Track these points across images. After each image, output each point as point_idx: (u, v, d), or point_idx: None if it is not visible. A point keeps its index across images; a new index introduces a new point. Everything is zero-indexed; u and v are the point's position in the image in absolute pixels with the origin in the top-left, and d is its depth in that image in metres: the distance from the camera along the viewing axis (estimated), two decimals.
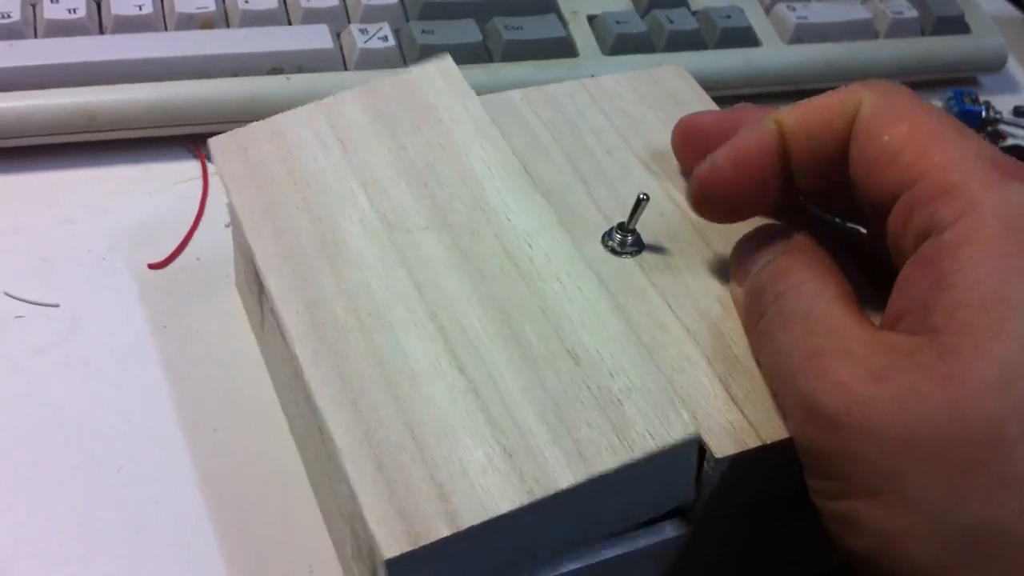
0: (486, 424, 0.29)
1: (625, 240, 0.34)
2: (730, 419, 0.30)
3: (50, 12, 0.49)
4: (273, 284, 0.33)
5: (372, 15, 0.53)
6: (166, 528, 0.36)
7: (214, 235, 0.45)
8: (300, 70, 0.50)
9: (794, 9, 0.59)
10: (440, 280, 0.32)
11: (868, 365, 0.26)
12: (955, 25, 0.62)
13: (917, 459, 0.25)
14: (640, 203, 0.34)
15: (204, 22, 0.51)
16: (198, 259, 0.45)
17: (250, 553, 0.35)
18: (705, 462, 0.30)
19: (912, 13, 0.61)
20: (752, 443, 0.30)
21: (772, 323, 0.30)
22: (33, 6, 0.50)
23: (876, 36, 0.60)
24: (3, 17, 0.48)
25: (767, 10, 0.60)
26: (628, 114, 0.40)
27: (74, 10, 0.49)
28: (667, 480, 0.30)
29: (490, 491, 0.28)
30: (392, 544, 0.27)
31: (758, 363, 0.31)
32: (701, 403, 0.31)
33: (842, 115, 0.31)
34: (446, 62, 0.39)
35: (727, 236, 0.35)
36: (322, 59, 0.51)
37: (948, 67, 0.61)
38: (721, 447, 0.30)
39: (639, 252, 0.35)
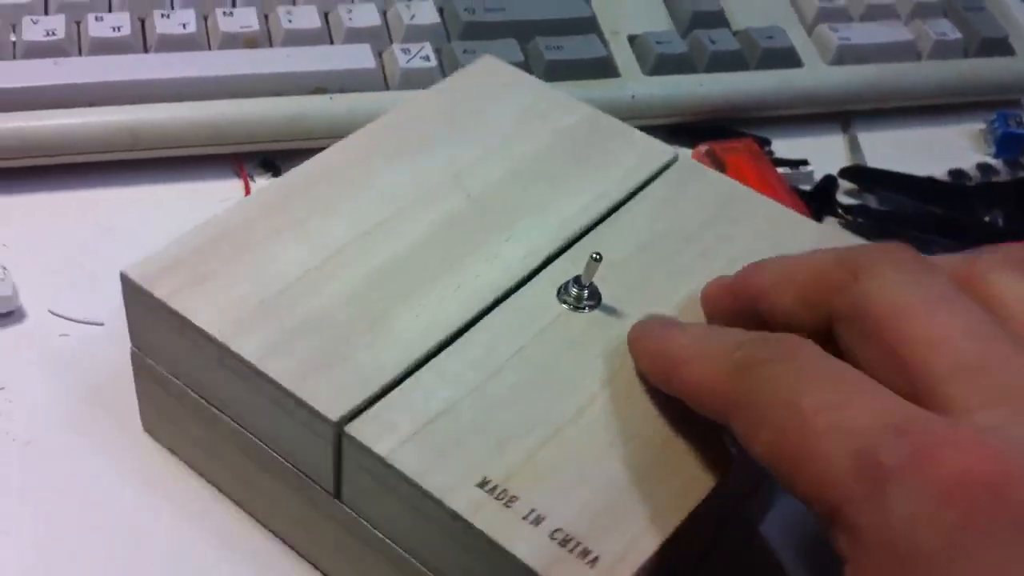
0: None
1: (582, 296, 0.34)
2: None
3: (95, 30, 0.49)
4: None
5: (414, 35, 0.53)
6: (196, 554, 0.36)
7: None
8: (343, 90, 0.50)
9: (836, 30, 0.59)
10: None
11: None
12: (999, 47, 0.61)
13: None
14: (592, 262, 0.33)
15: (248, 41, 0.51)
16: None
17: None
18: None
19: (955, 35, 0.60)
20: None
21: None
22: (78, 24, 0.50)
23: (919, 58, 0.60)
24: (48, 35, 0.49)
25: (809, 31, 0.59)
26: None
27: (118, 28, 0.49)
28: None
29: None
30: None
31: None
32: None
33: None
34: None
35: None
36: (364, 79, 0.51)
37: (992, 89, 0.61)
38: None
39: (596, 306, 0.34)
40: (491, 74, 0.43)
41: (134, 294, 0.34)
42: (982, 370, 0.24)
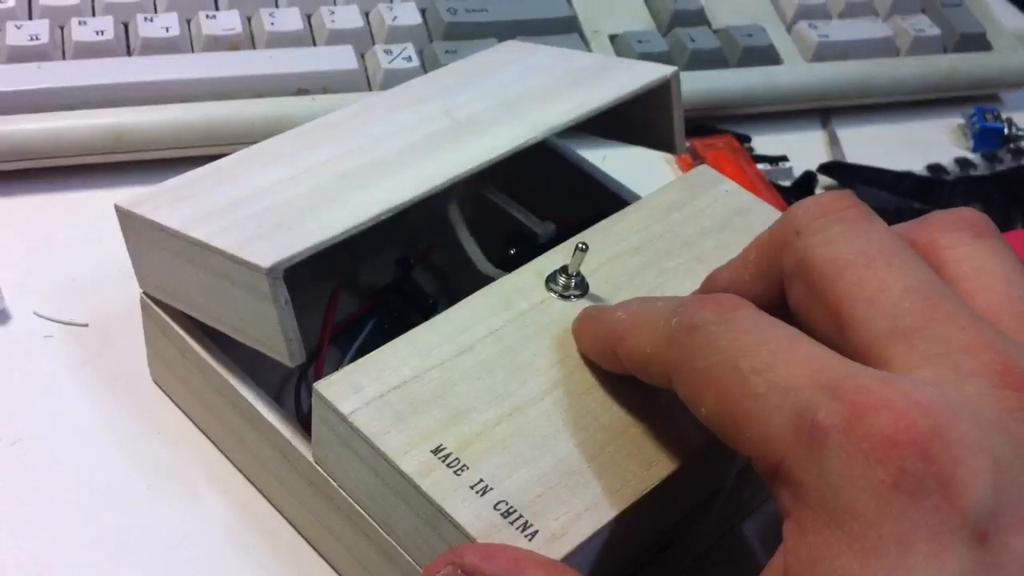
0: None
1: (569, 284, 0.35)
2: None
3: (78, 34, 0.50)
4: None
5: (396, 36, 0.53)
6: (195, 545, 0.36)
7: None
8: (325, 90, 0.51)
9: (816, 27, 0.59)
10: None
11: None
12: (977, 42, 0.62)
13: None
14: (578, 252, 0.34)
15: (231, 44, 0.51)
16: None
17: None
18: None
19: (934, 31, 0.61)
20: None
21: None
22: (61, 28, 0.50)
23: (898, 54, 0.61)
24: (32, 39, 0.49)
25: (789, 28, 0.60)
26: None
27: (102, 32, 0.50)
28: None
29: None
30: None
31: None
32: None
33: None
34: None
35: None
36: (347, 80, 0.51)
37: (970, 84, 0.61)
38: None
39: (582, 296, 0.35)
40: (511, 49, 0.45)
41: (125, 221, 0.36)
42: (921, 328, 0.24)
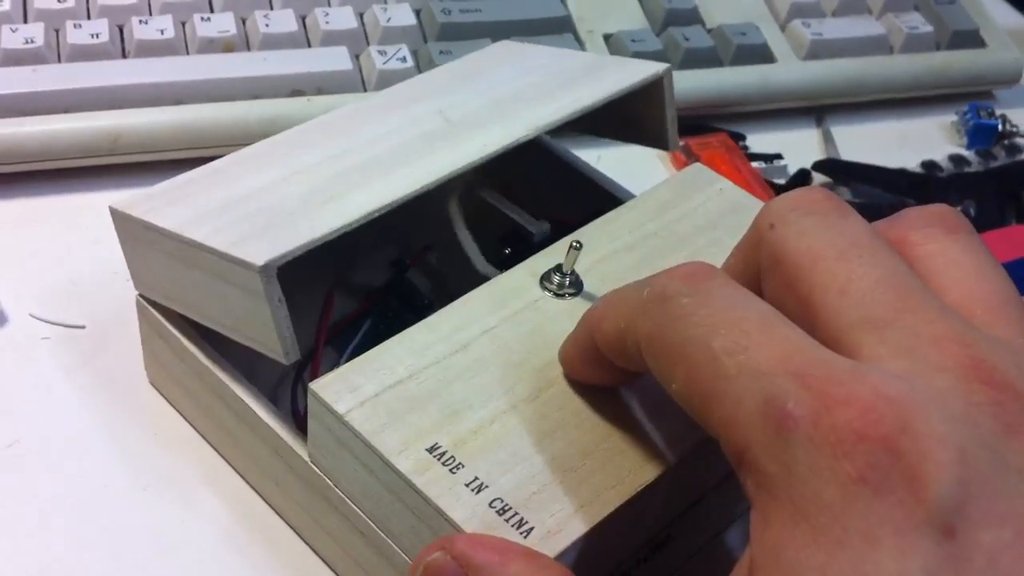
0: None
1: (563, 283, 0.35)
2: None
3: (73, 37, 0.50)
4: None
5: (390, 37, 0.53)
6: (193, 546, 0.36)
7: None
8: (320, 92, 0.51)
9: (809, 25, 0.59)
10: None
11: None
12: (970, 39, 0.62)
13: None
14: (572, 250, 0.34)
15: (225, 46, 0.51)
16: None
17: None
18: None
19: (927, 28, 0.61)
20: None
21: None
22: (57, 31, 0.51)
23: (891, 51, 0.61)
24: (27, 42, 0.49)
25: (782, 27, 0.60)
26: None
27: (97, 35, 0.50)
28: None
29: None
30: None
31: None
32: None
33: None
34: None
35: None
36: (342, 81, 0.51)
37: (963, 81, 0.62)
38: None
39: (576, 294, 0.35)
40: (506, 49, 0.45)
41: (120, 223, 0.36)
42: (891, 320, 0.24)
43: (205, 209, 0.34)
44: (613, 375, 0.30)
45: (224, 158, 0.38)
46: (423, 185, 0.35)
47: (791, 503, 0.22)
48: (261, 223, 0.33)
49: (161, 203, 0.35)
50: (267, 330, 0.32)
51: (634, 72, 0.41)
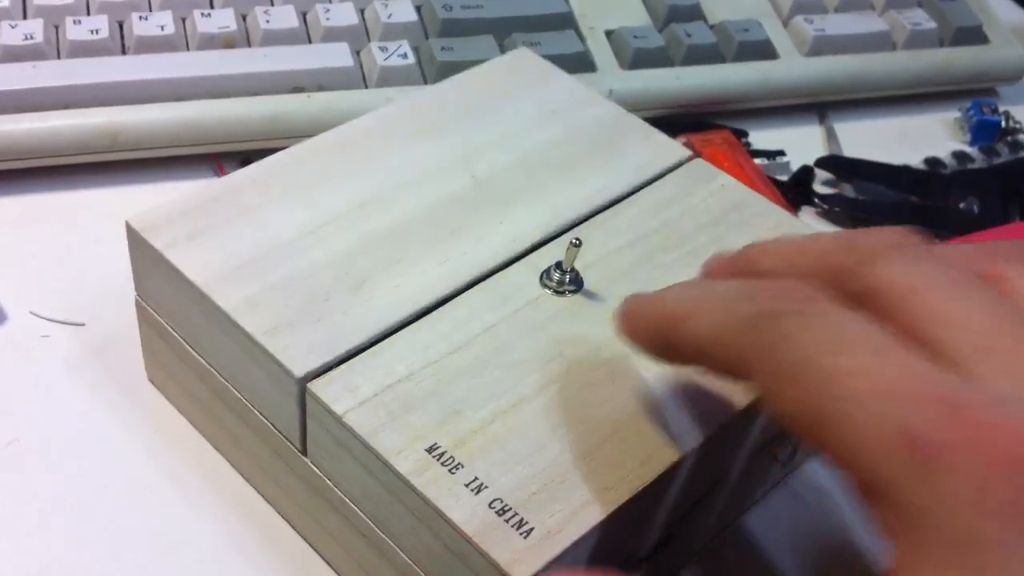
0: None
1: (563, 280, 0.35)
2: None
3: (73, 33, 0.49)
4: None
5: (392, 33, 0.53)
6: (193, 546, 0.36)
7: None
8: (321, 88, 0.51)
9: (812, 21, 0.59)
10: None
11: None
12: (973, 36, 0.62)
13: None
14: (572, 247, 0.34)
15: (226, 42, 0.51)
16: None
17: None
18: None
19: (930, 24, 0.61)
20: None
21: None
22: (56, 27, 0.50)
23: (894, 48, 0.60)
24: (27, 38, 0.49)
25: (785, 23, 0.60)
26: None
27: (96, 31, 0.50)
28: None
29: None
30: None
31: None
32: None
33: None
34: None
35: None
36: (343, 77, 0.51)
37: (967, 78, 0.61)
38: None
39: (576, 291, 0.35)
40: (522, 66, 0.44)
41: (135, 242, 0.36)
42: (1007, 350, 0.23)
43: (234, 259, 0.34)
44: (671, 360, 0.29)
45: (241, 173, 0.37)
46: (454, 288, 0.34)
47: (943, 538, 0.21)
48: (296, 305, 0.33)
49: (182, 234, 0.35)
50: (290, 420, 0.32)
51: (660, 154, 0.40)
